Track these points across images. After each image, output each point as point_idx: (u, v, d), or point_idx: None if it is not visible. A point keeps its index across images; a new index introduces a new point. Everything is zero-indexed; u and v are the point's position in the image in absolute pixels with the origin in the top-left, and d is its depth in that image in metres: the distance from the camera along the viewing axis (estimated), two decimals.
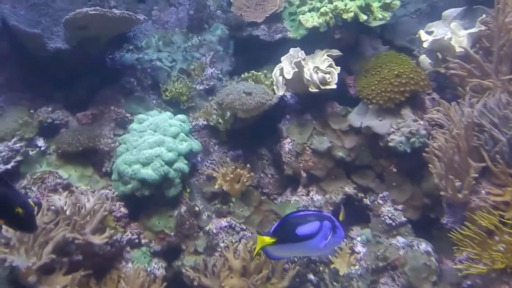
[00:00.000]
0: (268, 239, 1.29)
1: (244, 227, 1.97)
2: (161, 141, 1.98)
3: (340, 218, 1.35)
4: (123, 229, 1.89)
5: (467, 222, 1.55)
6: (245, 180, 2.00)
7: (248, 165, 2.03)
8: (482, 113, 1.60)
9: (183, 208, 1.97)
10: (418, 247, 1.73)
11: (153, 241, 1.91)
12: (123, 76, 2.41)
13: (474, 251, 1.51)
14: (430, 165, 1.68)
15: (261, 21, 2.25)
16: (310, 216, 1.32)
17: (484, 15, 1.92)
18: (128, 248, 1.87)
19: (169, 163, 1.93)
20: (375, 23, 2.15)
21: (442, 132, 1.73)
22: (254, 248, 1.75)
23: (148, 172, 1.88)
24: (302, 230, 1.29)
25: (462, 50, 1.86)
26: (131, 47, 2.46)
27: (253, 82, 2.15)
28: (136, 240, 1.90)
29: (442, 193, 1.64)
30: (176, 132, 2.05)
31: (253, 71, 2.26)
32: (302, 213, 1.34)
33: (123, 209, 1.92)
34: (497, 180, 1.55)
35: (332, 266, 1.87)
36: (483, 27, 1.86)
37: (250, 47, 2.35)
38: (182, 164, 1.98)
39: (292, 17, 2.22)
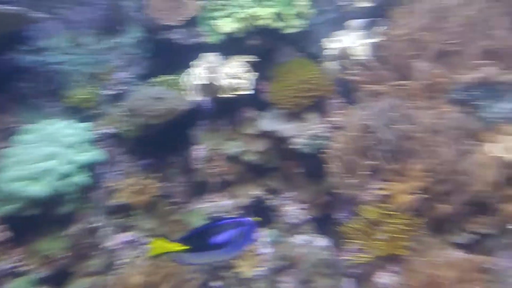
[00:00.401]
0: (175, 246, 1.30)
1: (149, 240, 1.93)
2: (56, 153, 1.86)
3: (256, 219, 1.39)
4: (6, 256, 1.73)
5: (356, 216, 1.66)
6: (151, 191, 1.98)
7: (156, 175, 2.02)
8: (375, 116, 1.74)
9: (79, 226, 1.86)
10: (317, 243, 1.81)
11: (41, 266, 1.76)
12: (17, 80, 2.22)
13: (361, 242, 1.61)
14: (329, 165, 1.79)
15: (178, 24, 2.27)
16: (226, 224, 1.33)
17: (381, 27, 2.09)
18: (10, 278, 1.71)
19: (65, 177, 1.82)
20: (289, 30, 2.26)
21: (342, 134, 1.85)
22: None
23: (37, 189, 1.75)
24: (218, 238, 1.31)
25: (363, 58, 2.02)
26: (29, 49, 2.29)
27: (166, 87, 2.15)
28: (21, 267, 1.75)
29: (337, 190, 1.74)
30: (76, 141, 1.95)
31: (167, 76, 2.26)
32: (219, 222, 1.35)
33: (6, 232, 1.75)
34: (384, 176, 1.67)
35: (237, 270, 1.90)
36: (380, 38, 2.02)
37: (165, 51, 2.36)
38: (81, 177, 1.88)
39: (209, 21, 2.27)
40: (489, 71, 1.65)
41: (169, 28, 2.29)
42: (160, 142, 2.21)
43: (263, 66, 2.28)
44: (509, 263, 1.50)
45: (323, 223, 1.93)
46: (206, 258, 1.38)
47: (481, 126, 1.60)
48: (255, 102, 2.20)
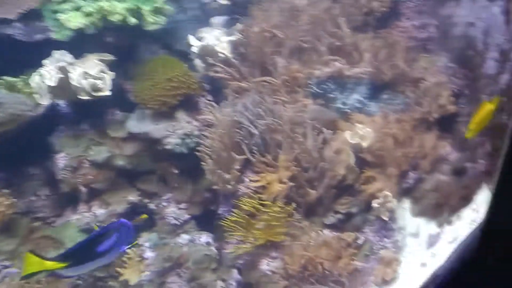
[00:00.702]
0: (52, 264, 1.27)
1: (9, 263, 1.71)
2: None
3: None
4: None
5: (235, 209, 1.72)
6: (4, 208, 1.73)
7: (8, 190, 1.77)
8: (241, 112, 1.81)
9: None
10: (199, 240, 1.83)
11: None
12: None
13: (241, 233, 1.69)
14: (202, 163, 1.81)
15: (15, 18, 1.98)
16: (104, 233, 1.35)
17: (241, 24, 2.17)
18: None
19: None
20: (149, 27, 2.17)
21: (212, 131, 1.88)
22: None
23: None
24: (99, 248, 1.33)
25: (225, 55, 2.06)
26: None
27: (6, 91, 1.87)
28: None
29: (214, 186, 1.78)
30: None
31: (7, 77, 1.96)
32: (96, 232, 1.37)
33: None
34: (256, 168, 1.77)
35: (121, 278, 1.81)
36: (239, 35, 2.09)
37: (5, 49, 2.05)
38: None
39: (54, 15, 2.03)
40: (337, 66, 1.86)
41: (7, 22, 1.99)
42: (12, 153, 1.92)
43: (126, 65, 2.16)
44: (375, 237, 1.75)
45: (205, 220, 1.96)
46: (87, 268, 1.40)
47: (336, 116, 1.81)
48: (121, 103, 2.08)
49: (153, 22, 2.13)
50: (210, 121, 1.89)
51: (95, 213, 1.88)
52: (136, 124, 1.98)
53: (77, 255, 1.30)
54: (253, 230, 1.70)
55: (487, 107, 1.43)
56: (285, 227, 1.69)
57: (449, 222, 1.73)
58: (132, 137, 1.98)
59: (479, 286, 1.48)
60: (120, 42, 2.14)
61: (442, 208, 1.78)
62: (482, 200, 1.73)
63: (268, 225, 1.69)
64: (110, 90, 1.94)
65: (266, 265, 1.70)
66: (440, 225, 1.74)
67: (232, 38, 2.10)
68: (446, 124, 1.90)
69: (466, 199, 1.77)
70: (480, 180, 1.81)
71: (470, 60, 1.92)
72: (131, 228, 1.38)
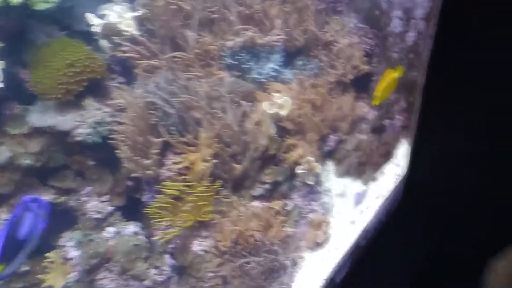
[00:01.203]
0: None
1: None
2: None
3: None
4: None
5: (159, 195, 1.65)
6: None
7: None
8: (154, 92, 1.70)
9: None
10: (126, 231, 1.74)
11: None
12: None
13: (167, 218, 1.63)
14: (119, 150, 1.69)
15: None
16: (18, 219, 1.34)
17: None
18: None
19: None
20: (40, 6, 1.93)
21: (125, 116, 1.76)
22: None
23: None
24: (21, 233, 1.33)
25: (131, 33, 1.92)
26: None
27: None
28: None
29: (133, 174, 1.68)
30: None
31: None
32: (8, 222, 1.33)
33: None
34: (177, 149, 1.70)
35: (45, 285, 1.68)
36: (143, 10, 1.95)
37: None
38: None
39: None
40: (249, 35, 1.81)
41: None
42: None
43: (19, 51, 1.92)
44: (303, 201, 1.77)
45: (131, 209, 1.86)
46: (20, 260, 1.39)
47: (253, 87, 1.77)
48: (19, 95, 1.86)
49: (43, 1, 1.90)
50: (121, 106, 1.77)
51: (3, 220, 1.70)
52: (39, 118, 1.79)
53: (6, 253, 1.28)
54: (180, 213, 1.64)
55: (391, 76, 1.47)
56: (212, 205, 1.65)
57: (374, 179, 1.82)
58: (36, 132, 1.79)
59: (404, 235, 1.57)
60: (8, 26, 1.89)
61: (365, 166, 1.85)
62: (402, 154, 1.83)
63: (195, 206, 1.64)
64: (2, 82, 1.72)
65: (198, 245, 1.67)
66: (365, 182, 1.82)
67: (137, 13, 1.95)
68: (361, 84, 1.94)
69: (387, 155, 1.85)
70: (398, 135, 1.90)
71: (378, 19, 1.97)
72: (39, 200, 1.38)
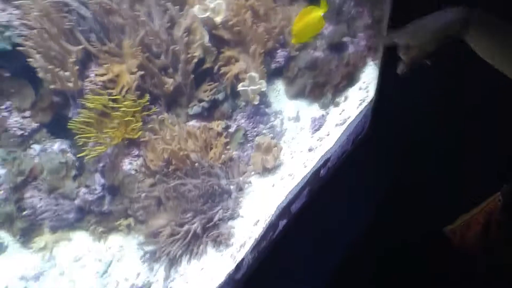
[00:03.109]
0: None
1: None
2: None
3: None
4: None
5: (82, 109, 1.51)
6: None
7: None
8: None
9: None
10: (52, 149, 1.63)
11: None
12: None
13: (94, 134, 1.51)
14: (31, 59, 1.50)
15: None
16: None
17: None
18: None
19: None
20: None
21: (33, 17, 1.51)
22: None
23: None
24: None
25: None
26: None
27: None
28: None
29: (51, 86, 1.51)
30: None
31: None
32: None
33: None
34: (100, 59, 1.52)
35: None
36: None
37: None
38: None
39: None
40: None
41: None
42: None
43: None
44: (248, 123, 1.63)
45: (58, 126, 1.72)
46: None
47: None
48: None
49: None
50: (29, 6, 1.52)
51: None
52: None
53: None
54: (106, 129, 1.52)
55: (313, 15, 1.20)
56: (141, 122, 1.52)
57: (335, 104, 1.66)
58: None
59: (370, 165, 1.48)
60: None
61: (323, 88, 1.68)
62: (369, 77, 1.65)
63: (122, 122, 1.51)
64: None
65: (129, 164, 1.57)
66: (324, 107, 1.66)
67: None
68: None
69: (350, 78, 1.66)
70: (363, 56, 1.70)
71: None
72: None
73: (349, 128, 1.50)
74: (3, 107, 1.67)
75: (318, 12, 1.19)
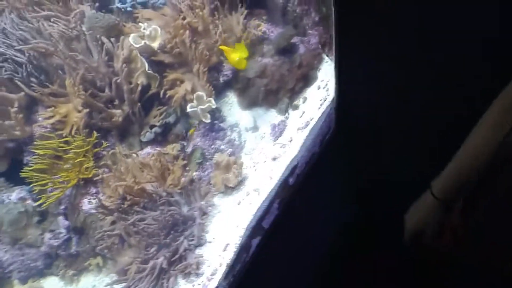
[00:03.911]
0: None
1: None
2: None
3: None
4: None
5: (33, 157, 1.49)
6: None
7: None
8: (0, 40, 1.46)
9: None
10: (10, 199, 1.60)
11: None
12: None
13: (48, 179, 1.49)
14: None
15: None
16: None
17: None
18: None
19: None
20: None
21: None
22: None
23: None
24: None
25: None
26: None
27: None
28: None
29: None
30: None
31: None
32: None
33: None
34: (46, 103, 1.50)
35: None
36: None
37: None
38: None
39: None
40: None
41: None
42: None
43: None
44: (204, 141, 1.60)
45: (15, 173, 1.69)
46: None
47: (117, 19, 1.52)
48: None
49: None
50: None
51: None
52: None
53: None
54: (61, 172, 1.49)
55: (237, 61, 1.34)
56: (93, 160, 1.50)
57: (293, 107, 1.61)
58: None
59: (338, 166, 1.43)
60: None
61: (277, 94, 1.65)
62: (328, 75, 1.60)
63: (76, 163, 1.49)
64: None
65: (88, 204, 1.54)
66: (282, 112, 1.62)
67: None
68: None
69: (306, 78, 1.62)
70: (317, 54, 1.68)
71: None
72: None
73: (314, 130, 1.46)
74: None
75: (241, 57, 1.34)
